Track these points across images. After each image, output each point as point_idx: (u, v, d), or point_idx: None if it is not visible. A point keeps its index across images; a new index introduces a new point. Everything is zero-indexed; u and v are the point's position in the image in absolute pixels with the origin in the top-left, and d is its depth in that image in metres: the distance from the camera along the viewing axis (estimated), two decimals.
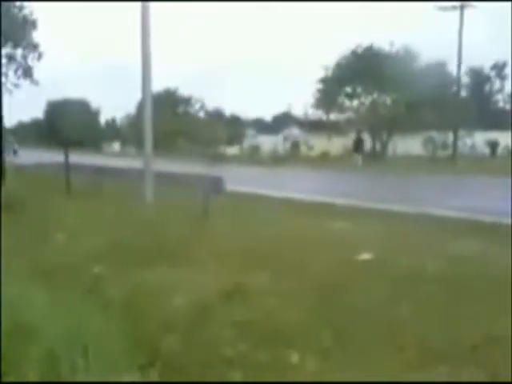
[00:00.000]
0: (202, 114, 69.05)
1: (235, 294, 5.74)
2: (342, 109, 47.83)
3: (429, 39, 64.36)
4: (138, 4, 15.08)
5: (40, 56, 33.27)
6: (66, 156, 17.05)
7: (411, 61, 43.54)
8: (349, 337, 4.70)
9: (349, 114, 47.60)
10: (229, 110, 71.10)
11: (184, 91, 67.56)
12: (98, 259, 7.25)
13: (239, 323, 4.93)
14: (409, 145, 44.61)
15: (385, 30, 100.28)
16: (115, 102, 63.71)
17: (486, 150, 48.07)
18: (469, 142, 45.99)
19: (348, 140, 45.83)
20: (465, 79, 58.84)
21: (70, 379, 3.58)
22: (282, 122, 72.02)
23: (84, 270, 6.79)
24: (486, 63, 71.97)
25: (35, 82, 34.01)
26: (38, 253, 7.66)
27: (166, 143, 43.29)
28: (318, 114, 49.94)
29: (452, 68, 43.39)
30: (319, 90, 47.90)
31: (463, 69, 47.90)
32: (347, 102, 47.61)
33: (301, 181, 24.63)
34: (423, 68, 42.78)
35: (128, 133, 65.10)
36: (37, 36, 33.57)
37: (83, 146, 51.61)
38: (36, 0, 49.30)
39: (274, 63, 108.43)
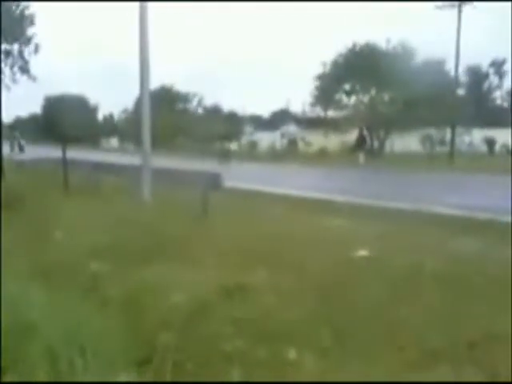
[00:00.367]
0: (200, 111, 69.06)
1: (233, 291, 5.74)
2: (339, 106, 47.83)
3: (427, 38, 64.52)
4: (137, 3, 15.12)
5: (37, 49, 33.11)
6: (64, 152, 17.00)
7: (408, 58, 43.55)
8: (345, 332, 4.71)
9: (346, 111, 47.59)
10: (227, 106, 71.18)
11: (183, 88, 67.65)
12: (95, 257, 7.23)
13: (238, 320, 4.93)
14: (406, 142, 44.63)
15: (383, 29, 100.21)
16: (113, 98, 63.76)
17: (484, 148, 48.10)
18: (467, 139, 46.00)
19: (346, 137, 45.84)
20: (463, 77, 58.81)
21: (68, 376, 3.57)
22: (280, 118, 72.05)
23: (81, 268, 6.78)
24: (484, 61, 72.08)
25: (32, 78, 33.86)
26: (33, 251, 7.61)
27: (164, 139, 43.24)
28: (316, 111, 49.92)
29: (450, 66, 43.43)
30: (317, 87, 47.88)
31: (461, 66, 47.96)
32: (345, 99, 47.64)
33: (300, 178, 24.61)
34: (421, 65, 42.77)
35: (126, 129, 65.01)
36: (36, 32, 33.45)
37: (81, 141, 51.59)
38: (36, 0, 49.12)
39: (273, 60, 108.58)
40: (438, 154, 39.45)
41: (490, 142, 48.60)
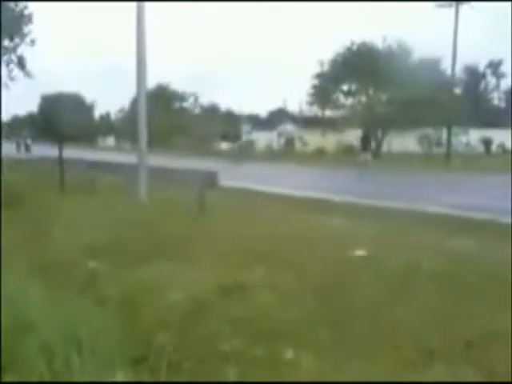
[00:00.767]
0: (196, 110, 69.02)
1: (230, 290, 5.73)
2: (337, 105, 47.88)
3: (426, 37, 64.64)
4: (135, 3, 15.15)
5: (33, 43, 33.04)
6: (60, 151, 16.97)
7: (405, 57, 43.62)
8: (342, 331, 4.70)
9: (344, 111, 47.65)
10: (224, 105, 71.19)
11: (181, 87, 67.64)
12: (92, 256, 7.21)
13: (235, 318, 4.92)
14: (404, 142, 44.67)
15: (383, 29, 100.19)
16: (110, 97, 63.77)
17: (481, 148, 48.18)
18: (464, 139, 46.06)
19: (343, 136, 45.87)
20: (460, 77, 58.88)
21: (64, 374, 3.56)
22: (277, 118, 72.08)
23: (78, 266, 6.76)
24: (481, 61, 72.18)
25: (28, 73, 33.76)
26: (29, 250, 7.57)
27: (160, 138, 43.23)
28: (313, 111, 49.97)
29: (447, 65, 43.43)
30: (314, 86, 47.94)
31: (459, 67, 48.01)
32: (342, 99, 47.70)
33: (300, 177, 24.61)
34: (418, 65, 42.81)
35: (122, 128, 64.98)
36: (31, 29, 33.39)
37: (78, 140, 51.54)
38: (36, 0, 49.04)
39: (270, 60, 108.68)
40: (435, 155, 39.48)
41: (487, 143, 48.70)
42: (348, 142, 46.57)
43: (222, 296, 5.60)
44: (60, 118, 58.18)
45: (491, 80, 74.56)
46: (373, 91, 45.91)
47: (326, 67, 47.29)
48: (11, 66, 33.15)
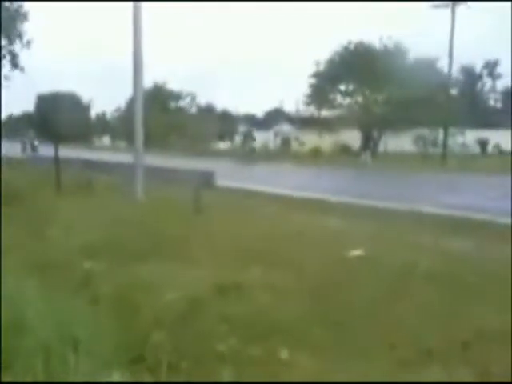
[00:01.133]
0: (193, 110, 68.99)
1: (226, 289, 5.73)
2: (333, 105, 47.92)
3: (423, 38, 64.61)
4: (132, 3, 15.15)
5: (28, 43, 32.99)
6: (56, 150, 16.93)
7: (402, 57, 43.70)
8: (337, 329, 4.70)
9: (340, 111, 47.70)
10: (221, 105, 71.21)
11: (178, 87, 67.55)
12: (88, 256, 7.19)
13: (230, 317, 4.92)
14: (400, 142, 44.73)
15: (379, 29, 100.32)
16: (106, 97, 63.64)
17: (477, 148, 48.27)
18: (460, 139, 46.14)
19: (339, 136, 45.92)
20: (457, 77, 58.94)
21: (60, 374, 3.55)
22: (274, 118, 72.07)
23: (73, 266, 6.74)
24: (478, 62, 72.27)
25: (21, 69, 33.67)
26: (24, 250, 7.53)
27: (156, 138, 43.19)
28: (310, 111, 49.99)
29: (444, 65, 43.51)
30: (311, 85, 47.97)
31: (455, 67, 48.09)
32: (339, 99, 47.74)
33: (294, 177, 24.60)
34: (414, 66, 42.89)
35: (118, 127, 64.90)
36: (27, 29, 33.35)
37: (74, 139, 51.45)
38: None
39: (267, 60, 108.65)
40: (431, 155, 39.55)
41: (483, 143, 48.79)
42: (343, 142, 46.66)
43: (217, 295, 5.61)
44: (56, 118, 58.10)
45: (487, 81, 74.69)
46: (369, 91, 45.96)
47: (322, 67, 47.35)
48: (3, 61, 33.07)
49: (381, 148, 46.01)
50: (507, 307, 5.15)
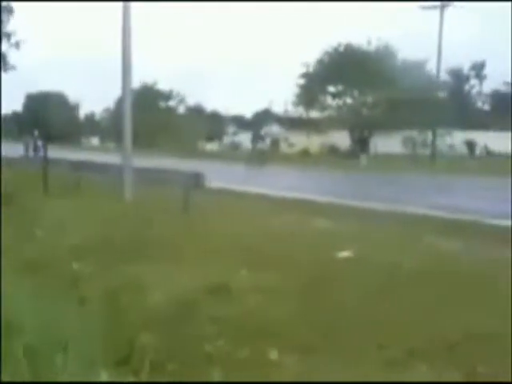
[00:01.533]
0: (181, 110, 68.82)
1: (213, 288, 5.75)
2: (322, 106, 47.99)
3: (411, 40, 64.91)
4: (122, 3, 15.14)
5: (17, 44, 32.85)
6: (45, 150, 16.84)
7: (391, 58, 43.89)
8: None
9: (329, 112, 47.79)
10: (210, 106, 71.09)
11: (167, 87, 67.28)
12: (75, 257, 7.16)
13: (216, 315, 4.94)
14: (389, 143, 44.83)
15: (368, 31, 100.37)
16: (95, 97, 63.35)
17: (464, 150, 48.49)
18: (448, 141, 46.33)
19: (327, 138, 45.98)
20: (445, 79, 59.19)
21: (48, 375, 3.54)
22: (263, 119, 72.00)
23: (60, 267, 6.72)
24: (465, 63, 72.55)
25: (13, 68, 33.48)
26: (9, 252, 7.47)
27: (145, 138, 43.07)
28: (299, 112, 50.02)
29: (433, 68, 43.71)
30: (300, 87, 48.00)
31: (443, 69, 48.28)
32: (328, 100, 47.83)
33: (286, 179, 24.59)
34: (403, 67, 43.10)
35: (107, 127, 64.65)
36: (19, 29, 33.30)
37: (61, 140, 51.17)
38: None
39: (256, 61, 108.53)
40: (419, 156, 39.70)
41: (471, 145, 49.04)
42: (332, 143, 46.71)
43: (204, 295, 5.61)
44: (44, 118, 57.81)
45: (475, 82, 74.98)
46: (358, 93, 46.09)
47: (311, 68, 47.44)
48: None
49: (371, 150, 46.09)
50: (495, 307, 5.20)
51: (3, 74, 33.49)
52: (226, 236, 8.66)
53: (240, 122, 73.63)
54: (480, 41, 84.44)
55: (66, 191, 14.42)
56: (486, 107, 74.01)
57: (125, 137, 15.29)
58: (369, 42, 45.17)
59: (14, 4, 33.12)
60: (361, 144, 38.57)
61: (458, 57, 72.06)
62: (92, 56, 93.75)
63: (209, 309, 5.21)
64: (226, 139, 60.73)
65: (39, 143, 40.89)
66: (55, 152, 21.63)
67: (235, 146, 55.28)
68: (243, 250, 7.57)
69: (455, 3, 40.23)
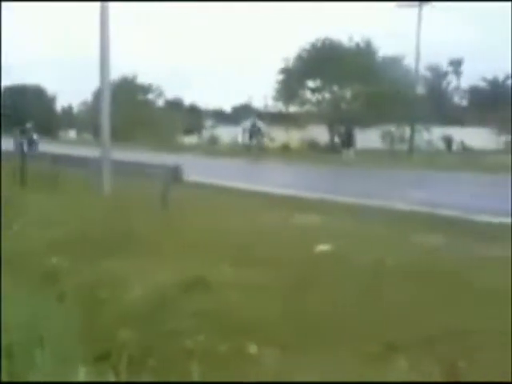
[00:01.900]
0: (161, 103, 68.44)
1: (192, 284, 5.73)
2: (302, 101, 48.06)
3: (390, 36, 65.37)
4: None
5: None
6: (21, 145, 16.66)
7: (369, 54, 44.12)
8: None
9: (309, 107, 47.88)
10: (189, 100, 70.82)
11: (147, 81, 66.81)
12: (53, 252, 7.10)
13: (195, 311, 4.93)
14: (367, 138, 45.00)
15: (348, 27, 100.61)
16: (73, 90, 62.74)
17: (442, 145, 48.92)
18: (426, 136, 46.66)
19: (306, 133, 46.04)
20: (423, 75, 59.62)
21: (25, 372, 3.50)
22: (243, 113, 71.87)
23: (38, 262, 6.65)
24: (443, 60, 73.11)
25: None
26: None
27: (123, 131, 42.70)
28: (279, 107, 50.03)
29: (411, 64, 43.94)
30: (280, 82, 48.03)
31: (422, 65, 48.54)
32: (307, 94, 47.90)
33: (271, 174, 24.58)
34: (382, 63, 43.35)
35: (85, 120, 64.05)
36: None
37: (40, 133, 50.61)
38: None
39: (235, 55, 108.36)
40: (397, 151, 39.95)
41: (448, 140, 49.49)
42: (311, 138, 46.77)
43: (182, 291, 5.59)
44: (22, 111, 57.16)
45: (452, 78, 75.65)
46: (338, 88, 46.22)
47: (290, 63, 47.46)
48: None
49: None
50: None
51: None
52: (202, 231, 8.62)
53: (220, 117, 73.47)
54: (459, 39, 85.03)
55: (43, 185, 14.27)
56: (464, 103, 74.71)
57: (103, 130, 15.17)
58: (350, 39, 45.32)
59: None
60: (347, 138, 38.44)
61: (437, 53, 72.42)
62: (70, 49, 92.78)
63: (185, 301, 5.19)
64: (205, 133, 60.47)
65: (35, 137, 38.60)
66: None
67: (214, 140, 55.11)
68: (219, 245, 7.55)
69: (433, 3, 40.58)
